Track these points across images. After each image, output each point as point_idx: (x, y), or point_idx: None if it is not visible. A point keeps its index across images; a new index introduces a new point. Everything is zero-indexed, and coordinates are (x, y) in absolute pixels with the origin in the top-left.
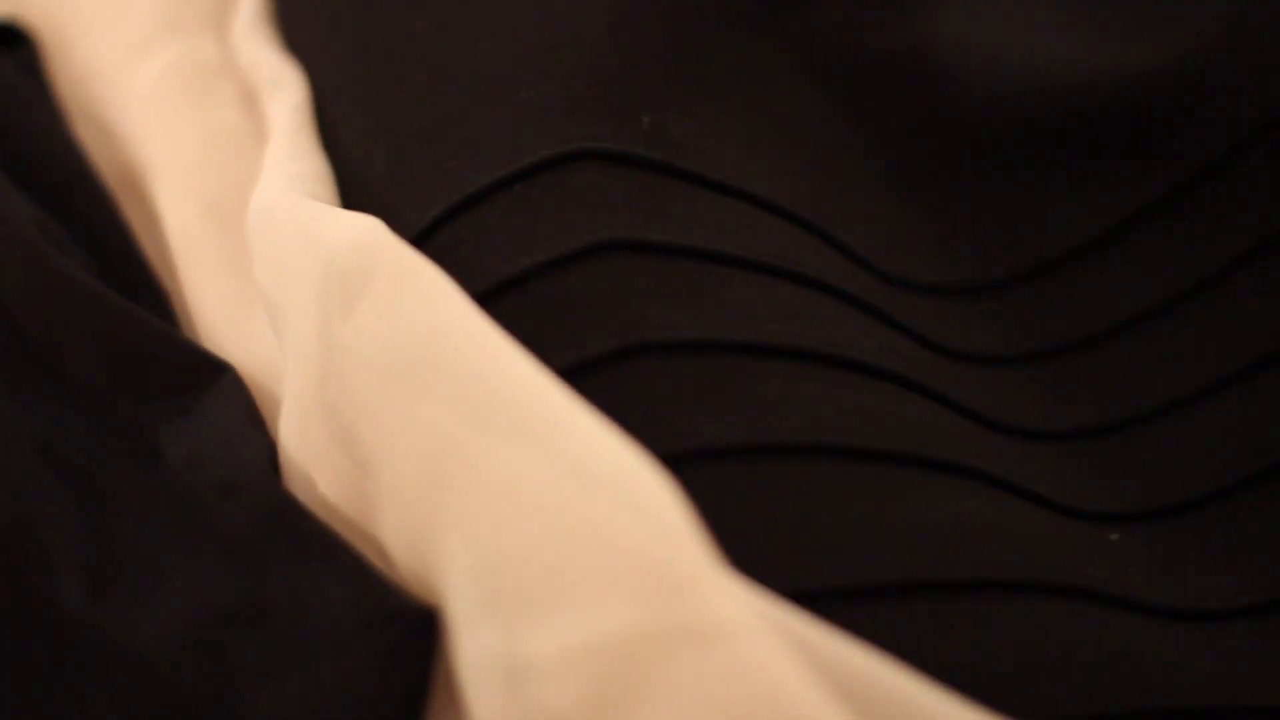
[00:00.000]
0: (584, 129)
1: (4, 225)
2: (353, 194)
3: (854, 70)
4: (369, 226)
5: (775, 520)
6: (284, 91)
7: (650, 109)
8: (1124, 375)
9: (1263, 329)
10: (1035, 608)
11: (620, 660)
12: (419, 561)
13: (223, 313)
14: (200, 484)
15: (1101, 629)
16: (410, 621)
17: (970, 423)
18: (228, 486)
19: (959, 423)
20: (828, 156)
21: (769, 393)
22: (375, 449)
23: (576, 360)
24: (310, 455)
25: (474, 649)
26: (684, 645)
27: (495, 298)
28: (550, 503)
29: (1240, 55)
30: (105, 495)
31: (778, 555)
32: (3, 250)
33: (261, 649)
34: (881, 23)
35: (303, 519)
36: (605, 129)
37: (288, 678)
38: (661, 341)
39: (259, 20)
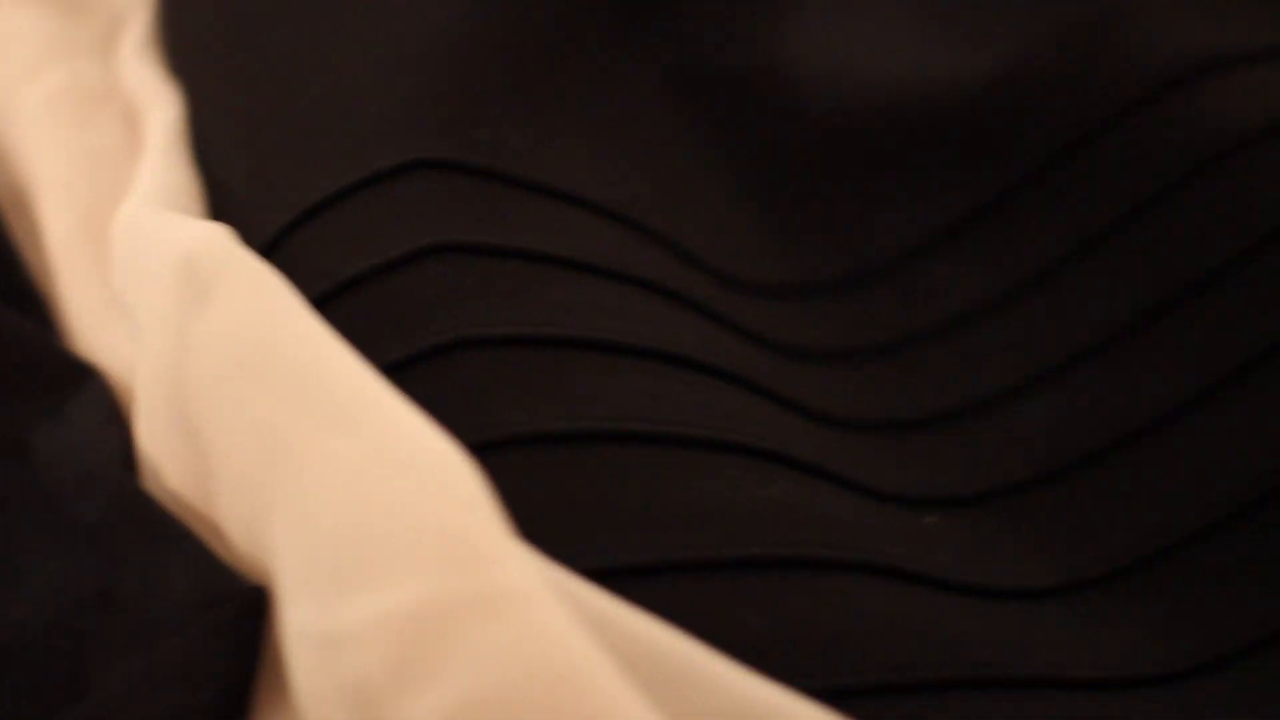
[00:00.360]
0: (421, 141)
1: None
2: (218, 206)
3: (708, 82)
4: (216, 234)
5: (577, 502)
6: (160, 110)
7: (488, 121)
8: (951, 369)
9: (1085, 325)
10: (832, 582)
11: (419, 628)
12: (252, 544)
13: (94, 319)
14: (61, 479)
15: (900, 603)
16: (241, 600)
17: (791, 414)
18: (84, 481)
19: (778, 414)
20: (673, 164)
21: (581, 384)
22: (214, 440)
23: (403, 355)
24: (159, 448)
25: (295, 623)
26: (476, 612)
27: (334, 298)
28: (363, 485)
29: (1070, 61)
30: None
31: (577, 535)
32: None
33: (112, 631)
34: (739, 37)
35: (151, 509)
36: (442, 141)
37: (133, 656)
38: (481, 337)
39: (144, 44)
